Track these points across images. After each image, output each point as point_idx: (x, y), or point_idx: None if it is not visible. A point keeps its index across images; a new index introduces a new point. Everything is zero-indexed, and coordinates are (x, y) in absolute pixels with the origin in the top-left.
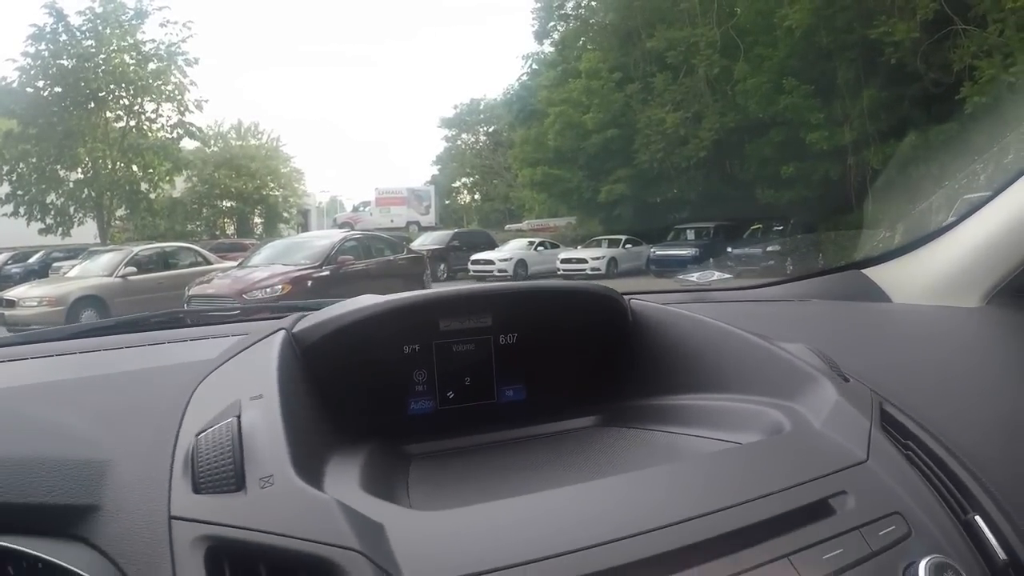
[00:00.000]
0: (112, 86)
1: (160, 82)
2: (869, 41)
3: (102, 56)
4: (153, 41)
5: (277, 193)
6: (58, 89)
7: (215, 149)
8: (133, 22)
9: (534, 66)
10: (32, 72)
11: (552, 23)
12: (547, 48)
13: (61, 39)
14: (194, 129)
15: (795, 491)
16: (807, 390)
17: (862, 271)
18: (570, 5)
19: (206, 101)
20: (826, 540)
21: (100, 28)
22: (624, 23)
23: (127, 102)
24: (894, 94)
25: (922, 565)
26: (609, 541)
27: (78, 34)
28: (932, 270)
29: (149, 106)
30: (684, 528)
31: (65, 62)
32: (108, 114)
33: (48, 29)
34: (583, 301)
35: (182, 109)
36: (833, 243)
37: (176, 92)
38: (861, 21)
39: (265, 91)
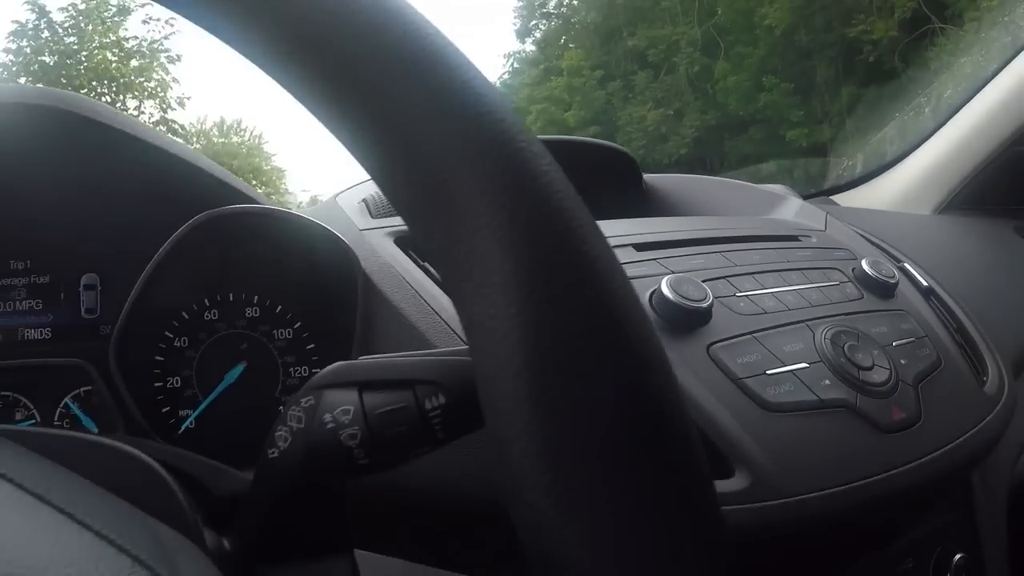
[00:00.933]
0: (94, 83)
1: (143, 79)
2: (848, 40)
3: (84, 53)
4: (136, 38)
5: (259, 191)
6: (40, 86)
7: (197, 147)
8: (116, 19)
9: (516, 65)
10: (14, 69)
11: (534, 22)
12: (529, 47)
13: (43, 36)
14: (176, 127)
15: None
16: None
17: (830, 197)
18: (552, 4)
19: (188, 98)
20: None
21: (83, 25)
22: (606, 22)
23: (109, 99)
24: (872, 92)
25: None
26: None
27: (60, 31)
28: (890, 191)
29: (132, 103)
30: None
31: (47, 59)
32: None
33: (30, 26)
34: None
35: (164, 106)
36: (804, 172)
37: (159, 89)
38: (840, 20)
39: (248, 87)
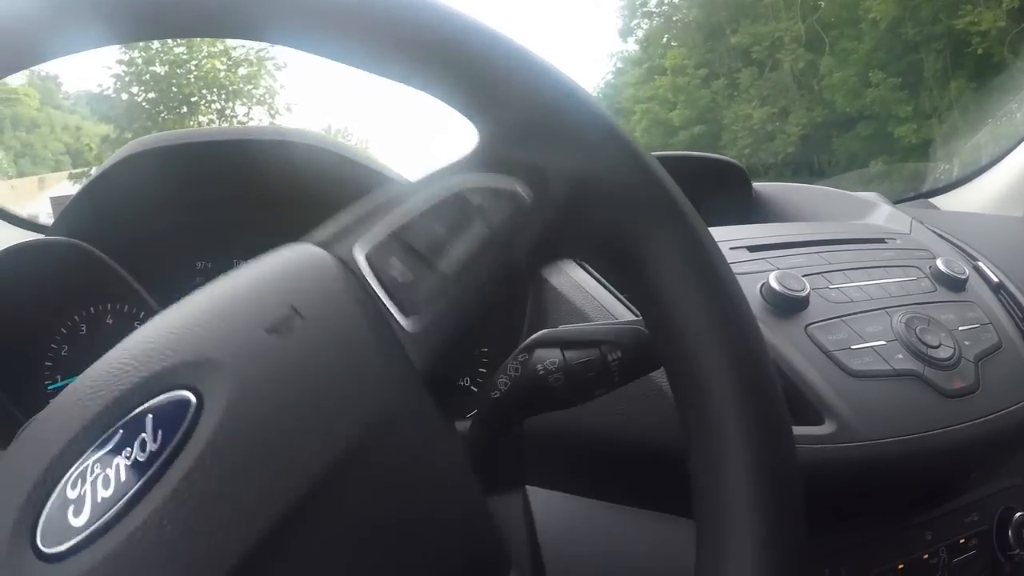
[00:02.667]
0: (204, 91)
1: (251, 86)
2: (955, 31)
3: (194, 62)
4: (243, 46)
5: None
6: (152, 95)
7: None
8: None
9: (619, 64)
10: (126, 79)
11: (636, 20)
12: (631, 46)
13: (153, 47)
14: None
15: None
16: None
17: (929, 200)
18: (653, 2)
19: (296, 104)
20: None
21: (191, 39)
22: (708, 19)
23: (219, 106)
24: (982, 84)
25: None
26: None
27: (170, 41)
28: (984, 193)
29: (240, 110)
30: None
31: (158, 68)
32: (200, 118)
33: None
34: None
35: (272, 112)
36: (907, 175)
37: (267, 96)
38: (946, 11)
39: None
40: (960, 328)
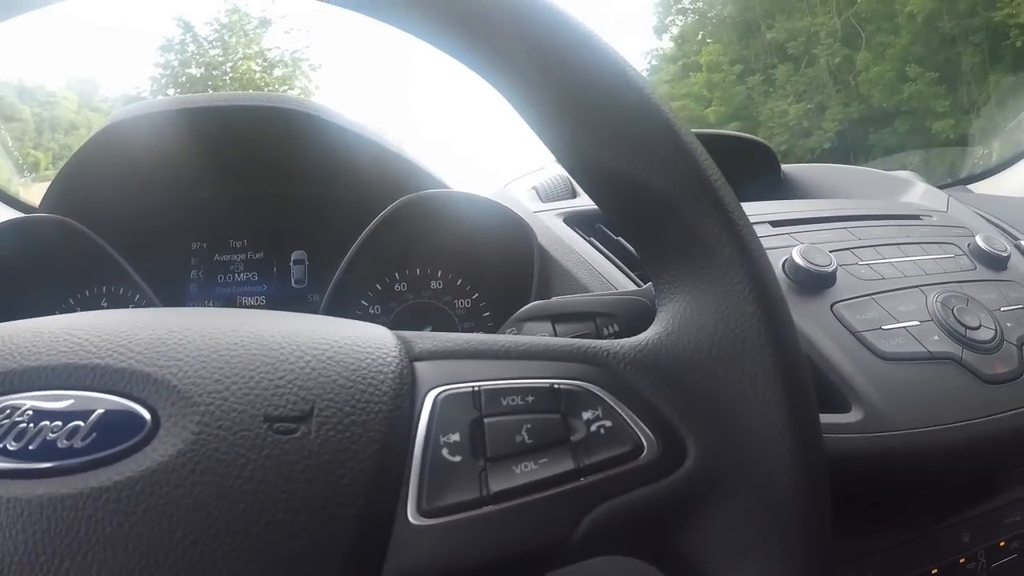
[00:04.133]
0: (239, 92)
1: (286, 87)
2: (994, 24)
3: (229, 64)
4: (278, 48)
5: None
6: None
7: None
8: (258, 30)
9: (653, 62)
10: (163, 81)
11: (671, 17)
12: (666, 43)
13: (189, 49)
14: None
15: None
16: None
17: (967, 186)
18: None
19: (332, 105)
20: None
21: (226, 38)
22: (743, 15)
23: None
24: (1022, 78)
25: None
26: None
27: (205, 44)
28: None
29: None
30: None
31: (194, 71)
32: None
33: (176, 41)
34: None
35: None
36: (943, 162)
37: (302, 96)
38: (984, 3)
39: (385, 95)
40: (1002, 309)
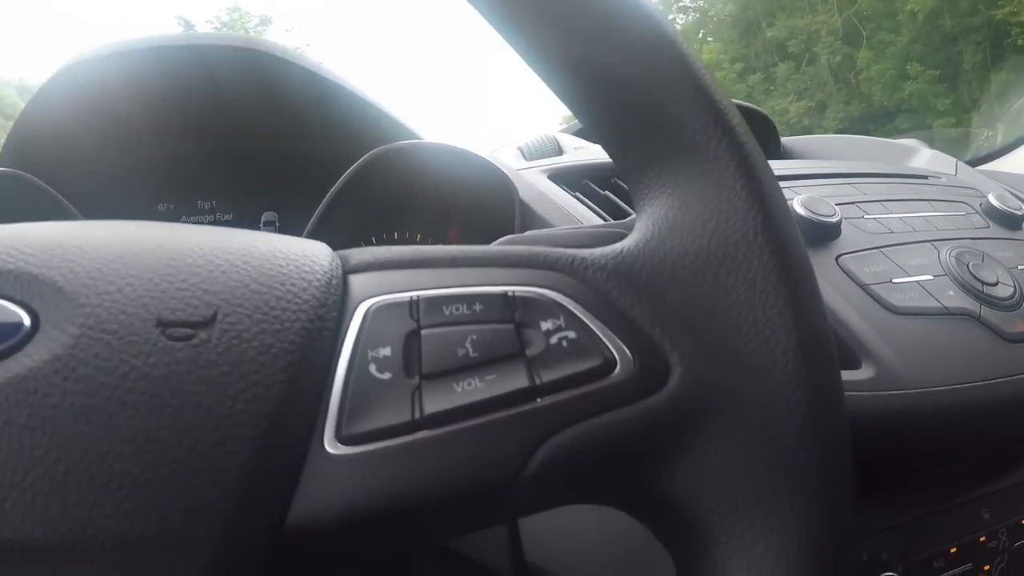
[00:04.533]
0: None
1: None
2: (995, 22)
3: None
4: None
5: None
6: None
7: None
8: (258, 28)
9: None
10: None
11: (671, 16)
12: None
13: None
14: None
15: None
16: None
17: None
18: None
19: None
20: None
21: None
22: (744, 13)
23: None
24: (1022, 74)
25: None
26: None
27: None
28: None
29: None
30: None
31: None
32: None
33: None
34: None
35: None
36: (944, 142)
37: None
38: (986, 2)
39: (383, 92)
40: (1020, 267)
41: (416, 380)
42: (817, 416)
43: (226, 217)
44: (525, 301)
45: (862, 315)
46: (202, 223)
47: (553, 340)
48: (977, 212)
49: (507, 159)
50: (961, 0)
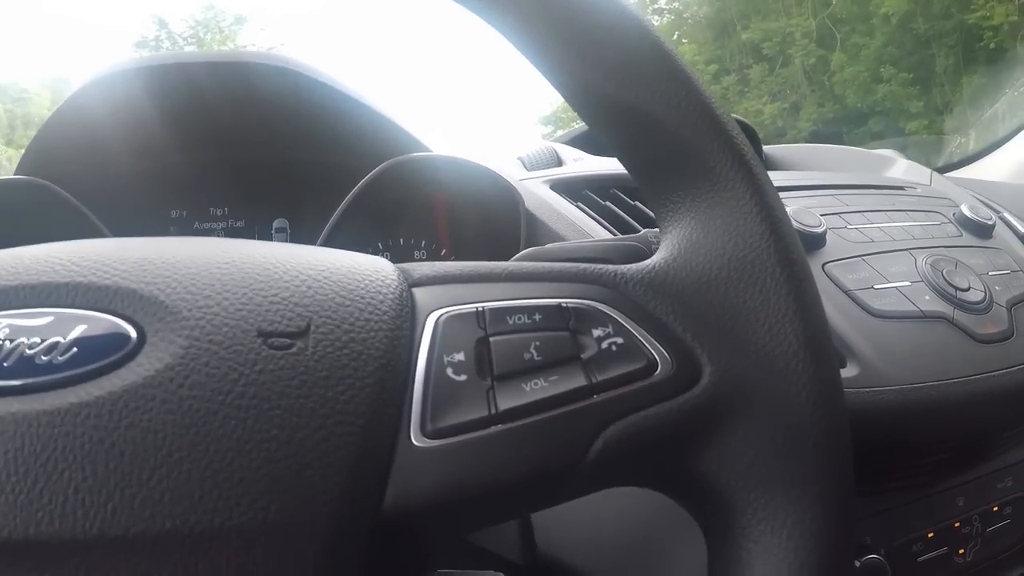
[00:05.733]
0: None
1: None
2: (967, 26)
3: None
4: (253, 44)
5: None
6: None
7: None
8: (232, 27)
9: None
10: None
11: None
12: None
13: (164, 46)
14: None
15: None
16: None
17: (944, 176)
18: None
19: None
20: None
21: (201, 34)
22: (719, 15)
23: None
24: (994, 80)
25: None
26: None
27: (180, 40)
28: (1002, 166)
29: None
30: None
31: None
32: None
33: (151, 38)
34: None
35: None
36: (918, 149)
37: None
38: (958, 5)
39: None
40: (990, 273)
41: (489, 381)
42: (824, 405)
43: (238, 224)
44: (577, 312)
45: (847, 318)
46: (215, 229)
47: (604, 345)
48: (951, 221)
49: (508, 169)
50: (934, 4)
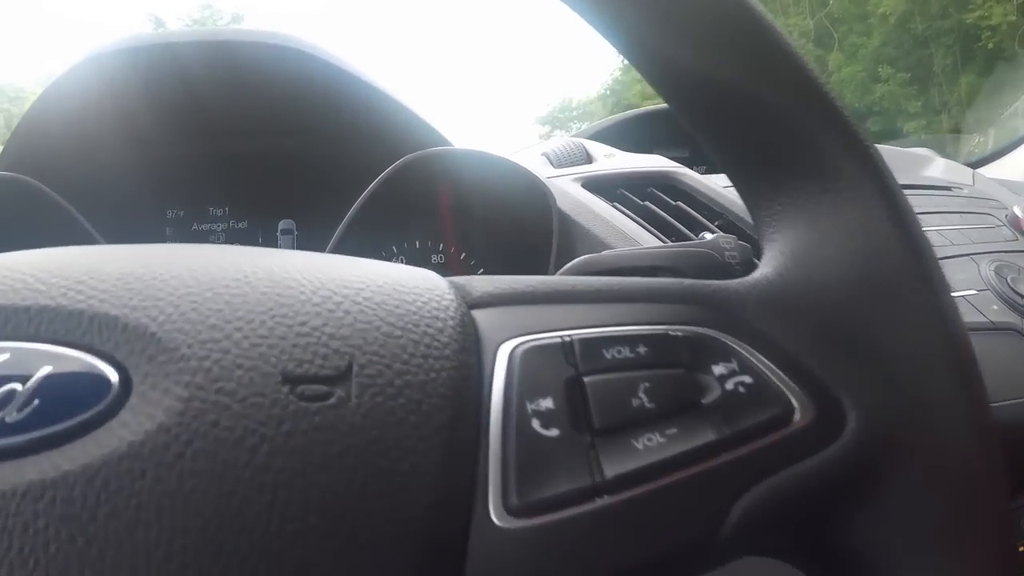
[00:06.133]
0: None
1: None
2: (965, 26)
3: None
4: None
5: None
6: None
7: None
8: (229, 25)
9: (626, 61)
10: None
11: None
12: None
13: None
14: None
15: None
16: None
17: None
18: None
19: None
20: None
21: None
22: None
23: None
24: (992, 80)
25: None
26: None
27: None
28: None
29: None
30: None
31: None
32: None
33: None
34: None
35: None
36: (935, 147)
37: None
38: (956, 5)
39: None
40: None
41: (588, 437)
42: (985, 448)
43: (240, 225)
44: (691, 342)
45: None
46: (215, 231)
47: (729, 386)
48: (1004, 224)
49: (534, 166)
50: (932, 4)
